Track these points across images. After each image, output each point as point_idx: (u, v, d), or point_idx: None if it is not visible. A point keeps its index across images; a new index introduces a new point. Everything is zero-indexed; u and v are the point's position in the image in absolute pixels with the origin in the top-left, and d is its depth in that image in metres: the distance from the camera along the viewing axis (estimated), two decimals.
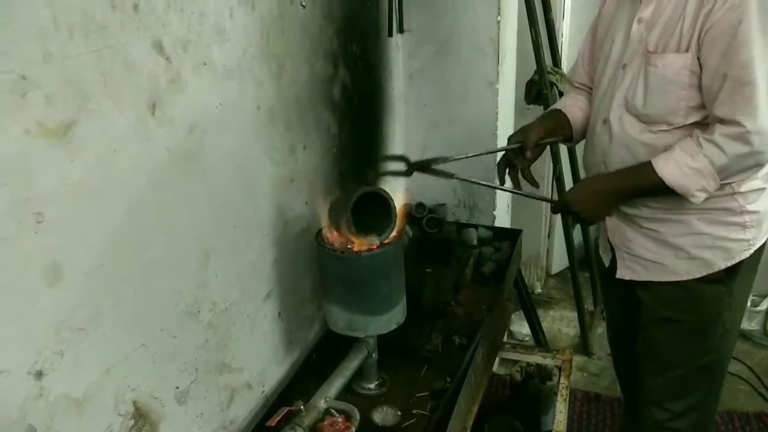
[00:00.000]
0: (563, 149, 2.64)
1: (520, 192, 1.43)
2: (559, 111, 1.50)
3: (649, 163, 1.22)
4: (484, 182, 1.43)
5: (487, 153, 1.61)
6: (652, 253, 1.34)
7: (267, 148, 1.28)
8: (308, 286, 1.52)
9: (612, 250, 1.46)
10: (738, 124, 1.14)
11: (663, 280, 1.35)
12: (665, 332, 1.39)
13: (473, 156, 1.47)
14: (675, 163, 1.20)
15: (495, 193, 2.13)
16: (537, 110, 2.51)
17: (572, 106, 1.50)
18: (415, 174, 1.95)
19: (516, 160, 1.42)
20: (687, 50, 1.18)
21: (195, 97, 1.05)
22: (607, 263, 1.51)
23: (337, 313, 1.27)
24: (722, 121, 1.16)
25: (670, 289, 1.35)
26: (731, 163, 1.17)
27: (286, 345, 1.45)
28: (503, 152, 1.44)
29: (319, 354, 1.51)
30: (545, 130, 1.44)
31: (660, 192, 1.23)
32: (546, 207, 3.07)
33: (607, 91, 1.37)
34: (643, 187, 1.25)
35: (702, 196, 1.20)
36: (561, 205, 1.36)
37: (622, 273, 1.41)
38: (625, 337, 1.55)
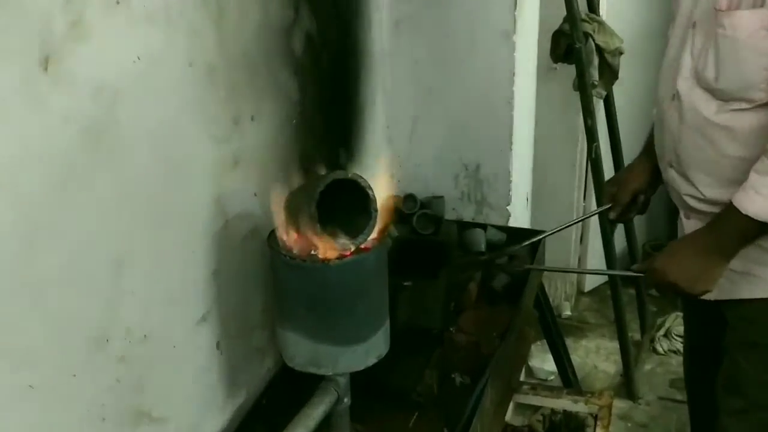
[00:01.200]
0: (601, 121, 2.67)
1: (601, 272, 1.59)
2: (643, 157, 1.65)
3: (730, 206, 1.27)
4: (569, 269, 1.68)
5: (566, 226, 1.80)
6: (742, 260, 1.37)
7: (202, 119, 1.28)
8: (258, 306, 1.52)
9: None
10: None
11: (755, 297, 1.39)
12: (754, 361, 1.43)
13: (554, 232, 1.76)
14: (755, 193, 1.24)
15: (510, 181, 2.16)
16: (566, 70, 2.55)
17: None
18: (403, 155, 1.98)
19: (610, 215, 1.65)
20: (762, 5, 1.21)
21: (104, 49, 1.04)
22: None
23: (297, 344, 1.27)
24: None
25: (763, 308, 1.39)
26: None
27: (227, 386, 1.45)
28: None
29: (272, 398, 1.51)
30: (649, 171, 1.61)
31: (764, 231, 1.27)
32: (577, 200, 3.10)
33: (677, 57, 1.40)
34: (745, 234, 1.29)
35: None
36: (652, 277, 1.39)
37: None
38: (706, 370, 1.59)
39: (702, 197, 1.42)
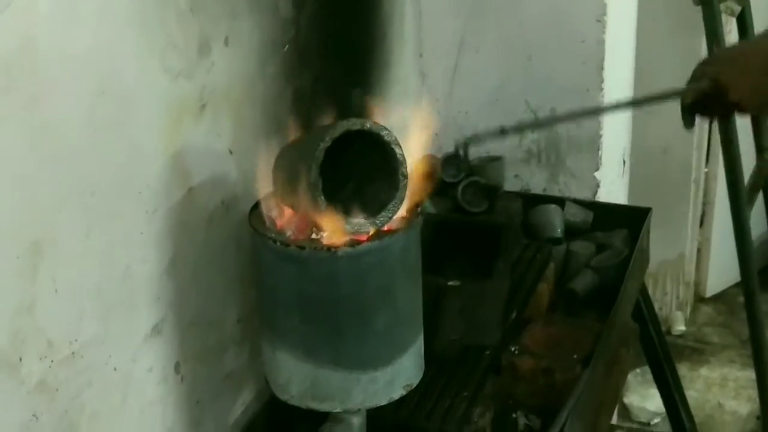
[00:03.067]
0: None
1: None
2: None
3: None
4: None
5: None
6: None
7: (153, 45, 1.28)
8: (234, 313, 1.53)
9: None
10: None
11: None
12: None
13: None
14: None
15: (600, 135, 2.15)
16: None
17: None
18: (443, 96, 1.97)
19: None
20: None
21: None
22: None
23: (291, 367, 1.28)
24: None
25: None
26: None
27: (189, 426, 1.47)
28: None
29: None
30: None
31: None
32: (697, 162, 3.09)
33: None
34: None
35: None
36: (717, 94, 1.38)
37: None
38: None
39: None
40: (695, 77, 1.43)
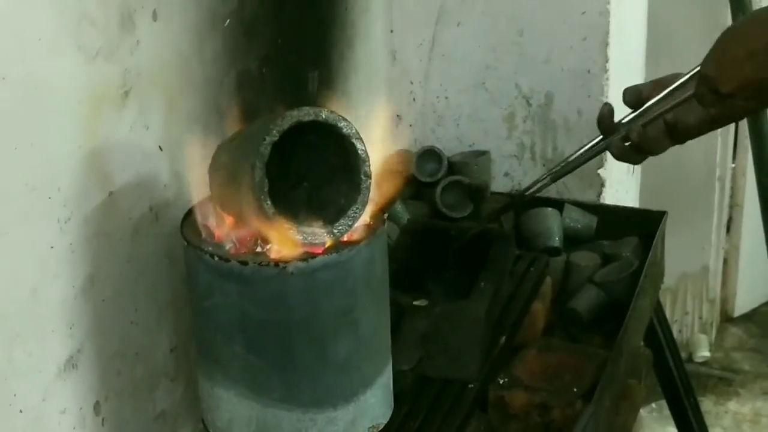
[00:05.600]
0: None
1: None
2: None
3: None
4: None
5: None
6: None
7: (66, 19, 1.27)
8: (165, 341, 1.54)
9: None
10: None
11: None
12: None
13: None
14: None
15: None
16: None
17: None
18: (418, 79, 1.99)
19: None
20: None
21: None
22: None
23: (233, 406, 1.28)
24: None
25: None
26: None
27: None
28: None
29: None
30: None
31: None
32: (722, 158, 3.11)
33: None
34: None
35: None
36: (706, 93, 1.44)
37: None
38: None
39: None
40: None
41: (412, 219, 2.01)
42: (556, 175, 1.72)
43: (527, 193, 1.76)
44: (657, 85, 1.57)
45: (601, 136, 1.64)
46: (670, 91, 1.54)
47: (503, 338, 1.76)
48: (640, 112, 1.56)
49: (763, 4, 2.81)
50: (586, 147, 1.68)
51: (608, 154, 1.65)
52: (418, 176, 2.13)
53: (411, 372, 1.61)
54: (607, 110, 1.62)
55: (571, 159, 1.70)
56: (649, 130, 1.54)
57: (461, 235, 1.87)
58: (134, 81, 1.40)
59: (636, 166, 2.47)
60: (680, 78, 1.55)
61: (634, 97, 1.58)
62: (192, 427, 1.60)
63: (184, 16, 1.48)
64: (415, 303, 1.68)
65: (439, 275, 1.81)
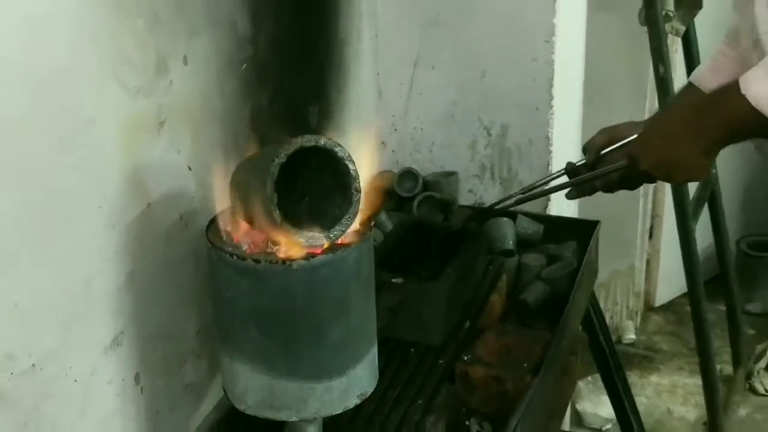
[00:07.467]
0: (680, 67, 2.68)
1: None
2: (689, 88, 1.70)
3: (733, 84, 1.36)
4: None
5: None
6: None
7: (111, 62, 1.28)
8: (192, 325, 1.53)
9: None
10: None
11: None
12: None
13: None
14: (764, 72, 1.33)
15: (549, 151, 2.17)
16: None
17: (718, 68, 1.66)
18: (399, 113, 1.99)
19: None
20: None
21: None
22: None
23: (248, 378, 1.28)
24: None
25: None
26: None
27: None
28: None
29: None
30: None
31: (759, 128, 1.35)
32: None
33: None
34: (733, 121, 1.38)
35: None
36: (633, 166, 1.53)
37: None
38: None
39: None
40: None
41: (404, 216, 2.04)
42: (521, 200, 1.77)
43: (496, 207, 1.82)
44: (609, 137, 1.65)
45: (563, 174, 1.72)
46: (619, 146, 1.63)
47: (467, 323, 1.76)
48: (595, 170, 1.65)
49: (680, 52, 2.81)
50: (551, 183, 1.76)
51: None
52: (399, 192, 2.14)
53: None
54: (572, 167, 1.72)
55: (535, 190, 1.77)
56: (605, 181, 1.63)
57: (442, 231, 1.88)
58: (167, 114, 1.40)
59: None
60: (627, 132, 1.62)
61: (593, 153, 1.66)
62: (214, 395, 1.59)
63: (209, 62, 1.49)
64: (393, 280, 1.68)
65: (423, 262, 1.81)
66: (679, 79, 2.54)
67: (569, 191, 1.69)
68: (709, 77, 1.67)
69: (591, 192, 1.67)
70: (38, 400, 1.22)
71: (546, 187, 1.77)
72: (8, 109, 1.11)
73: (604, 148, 1.63)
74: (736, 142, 1.44)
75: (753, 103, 1.32)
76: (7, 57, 1.10)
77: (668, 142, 1.47)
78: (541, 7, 2.08)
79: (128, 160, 1.34)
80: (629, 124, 1.65)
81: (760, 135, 1.43)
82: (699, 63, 2.75)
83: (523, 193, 1.78)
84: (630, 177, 1.57)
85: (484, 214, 1.89)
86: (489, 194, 2.24)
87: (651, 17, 2.40)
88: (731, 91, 1.35)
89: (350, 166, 1.23)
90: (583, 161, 1.68)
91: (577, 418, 2.89)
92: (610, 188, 1.63)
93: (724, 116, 1.40)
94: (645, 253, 3.34)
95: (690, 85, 1.74)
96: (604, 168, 1.62)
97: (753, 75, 1.34)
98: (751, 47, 1.49)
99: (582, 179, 1.66)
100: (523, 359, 1.65)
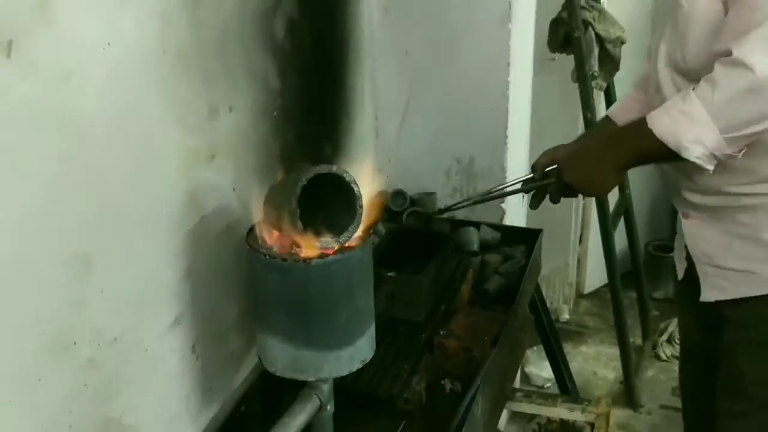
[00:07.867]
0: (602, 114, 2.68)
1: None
2: (607, 120, 1.68)
3: (642, 119, 1.36)
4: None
5: (500, 195, 1.78)
6: (742, 259, 1.44)
7: (176, 109, 1.28)
8: (235, 308, 1.52)
9: (688, 259, 1.57)
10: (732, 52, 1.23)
11: (756, 294, 1.44)
12: (755, 360, 1.47)
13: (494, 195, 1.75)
14: (666, 111, 1.32)
15: (505, 176, 2.18)
16: (564, 61, 2.55)
17: (628, 108, 1.64)
18: (392, 148, 1.98)
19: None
20: None
21: (71, 33, 1.03)
22: (680, 274, 1.65)
23: (277, 348, 1.27)
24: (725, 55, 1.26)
25: (764, 305, 1.43)
26: (729, 105, 1.25)
27: (202, 393, 1.45)
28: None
29: (251, 406, 1.51)
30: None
31: (662, 155, 1.34)
32: (577, 199, 3.11)
33: (657, 46, 1.48)
34: (641, 149, 1.38)
35: (697, 150, 1.28)
36: (560, 180, 1.52)
37: (708, 294, 1.51)
38: (703, 372, 1.64)
39: (696, 187, 1.47)
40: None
41: (396, 226, 2.04)
42: (476, 202, 1.77)
43: (447, 209, 1.83)
44: (551, 158, 1.61)
45: (516, 185, 1.69)
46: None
47: (443, 306, 1.76)
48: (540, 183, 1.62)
49: (603, 102, 2.82)
50: (504, 189, 1.74)
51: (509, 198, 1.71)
52: (392, 207, 2.13)
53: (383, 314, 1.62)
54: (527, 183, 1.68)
55: (492, 194, 1.75)
56: (545, 192, 1.61)
57: (424, 237, 1.91)
58: (217, 149, 1.41)
59: (524, 201, 2.47)
60: (563, 153, 1.59)
61: (539, 172, 1.62)
62: (251, 362, 1.59)
63: (249, 109, 1.49)
64: (388, 274, 1.68)
65: (410, 260, 1.80)
66: None
67: (531, 202, 1.66)
68: (620, 115, 1.66)
69: (541, 200, 1.65)
70: (119, 364, 1.22)
71: (494, 192, 1.76)
72: (105, 146, 1.11)
73: (546, 167, 1.61)
74: (642, 164, 1.44)
75: (657, 134, 1.32)
76: (106, 104, 1.09)
77: (588, 163, 1.48)
78: (499, 68, 2.08)
79: (187, 182, 1.34)
80: (567, 146, 1.63)
81: (661, 160, 1.43)
82: None
83: (481, 197, 1.77)
84: (560, 188, 1.55)
85: (447, 210, 1.84)
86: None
87: (581, 76, 2.41)
88: (640, 125, 1.36)
89: (355, 188, 1.23)
90: (532, 176, 1.66)
91: (526, 378, 2.89)
92: (552, 198, 1.61)
93: (634, 144, 1.39)
94: (576, 253, 3.34)
95: (607, 117, 1.73)
96: (540, 182, 1.61)
97: (657, 114, 1.34)
98: (654, 92, 1.50)
99: (528, 188, 1.65)
100: (485, 334, 1.66)
